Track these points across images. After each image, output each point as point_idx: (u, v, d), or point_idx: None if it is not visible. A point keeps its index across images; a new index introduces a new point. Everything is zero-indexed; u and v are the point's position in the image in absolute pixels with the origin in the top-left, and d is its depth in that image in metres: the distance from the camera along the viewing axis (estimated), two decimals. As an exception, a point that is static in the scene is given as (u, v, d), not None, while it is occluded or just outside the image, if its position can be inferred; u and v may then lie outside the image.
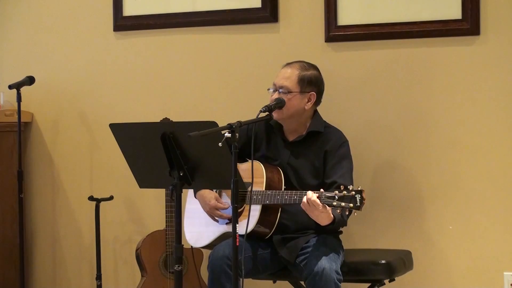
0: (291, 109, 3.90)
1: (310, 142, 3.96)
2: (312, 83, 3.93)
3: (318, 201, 3.53)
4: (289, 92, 3.88)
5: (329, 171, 3.88)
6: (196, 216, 4.07)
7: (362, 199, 3.48)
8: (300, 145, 3.97)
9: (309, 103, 3.93)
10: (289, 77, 3.91)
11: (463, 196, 4.30)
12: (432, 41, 4.33)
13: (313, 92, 3.93)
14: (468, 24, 4.24)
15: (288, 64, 3.98)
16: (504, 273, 4.25)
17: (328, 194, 3.53)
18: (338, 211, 3.52)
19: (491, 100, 4.26)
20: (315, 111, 4.01)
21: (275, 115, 3.90)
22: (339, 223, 3.71)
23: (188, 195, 4.14)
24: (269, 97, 3.94)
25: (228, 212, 3.91)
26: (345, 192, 3.49)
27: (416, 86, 4.37)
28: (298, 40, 4.54)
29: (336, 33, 4.45)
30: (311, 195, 3.56)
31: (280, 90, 3.89)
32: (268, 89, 3.97)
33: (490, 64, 4.25)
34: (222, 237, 3.96)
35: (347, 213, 3.64)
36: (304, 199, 3.58)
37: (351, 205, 3.47)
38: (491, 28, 4.23)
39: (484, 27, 4.24)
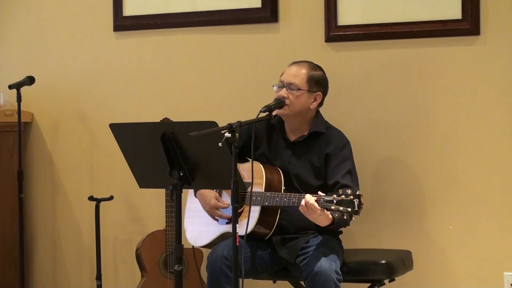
0: (298, 106, 3.91)
1: (311, 143, 3.96)
2: (319, 83, 3.96)
3: (316, 204, 3.54)
4: (298, 89, 3.90)
5: (331, 172, 3.88)
6: (196, 216, 4.07)
7: (360, 203, 3.48)
8: (302, 146, 3.97)
9: (314, 103, 3.95)
10: (298, 75, 3.93)
11: (463, 196, 4.30)
12: (432, 41, 4.32)
13: (320, 93, 3.96)
14: (468, 24, 4.24)
15: (296, 62, 4.00)
16: (504, 273, 4.25)
17: (327, 198, 3.53)
18: (336, 215, 3.52)
19: (491, 100, 4.26)
20: (317, 112, 4.02)
21: (280, 111, 3.90)
22: (339, 223, 3.70)
23: (189, 194, 4.14)
24: (274, 94, 3.94)
25: (228, 212, 3.91)
26: (343, 196, 3.49)
27: (416, 86, 4.37)
28: (298, 40, 4.54)
29: (336, 33, 4.45)
30: (309, 198, 3.56)
31: (288, 87, 3.90)
32: (273, 86, 3.97)
33: (490, 64, 4.25)
34: (222, 237, 3.96)
35: (344, 217, 3.62)
36: (302, 202, 3.58)
37: (349, 209, 3.47)
38: (491, 28, 4.23)
39: (484, 27, 4.24)
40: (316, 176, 3.92)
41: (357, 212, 3.48)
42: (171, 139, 3.37)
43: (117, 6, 4.85)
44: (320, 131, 3.96)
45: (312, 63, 4.00)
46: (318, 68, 4.00)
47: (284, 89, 3.91)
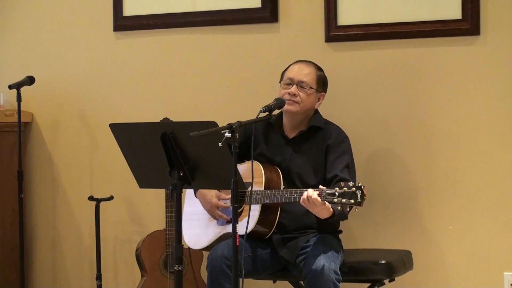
0: (307, 105, 3.94)
1: (311, 138, 3.97)
2: (324, 84, 4.03)
3: (319, 199, 3.55)
4: (310, 88, 3.93)
5: (330, 165, 3.89)
6: (194, 219, 4.07)
7: (363, 195, 3.49)
8: (301, 142, 3.98)
9: (318, 103, 4.00)
10: (309, 73, 3.95)
11: (463, 196, 4.30)
12: (432, 41, 4.33)
13: (324, 93, 4.01)
14: (468, 24, 4.24)
15: (302, 61, 4.02)
16: (504, 273, 4.25)
17: (329, 191, 3.54)
18: (339, 207, 3.52)
19: (491, 100, 4.26)
20: (316, 110, 4.04)
21: (291, 107, 3.91)
22: (339, 216, 3.71)
23: (186, 197, 4.13)
24: (279, 91, 3.95)
25: (228, 213, 3.91)
26: (345, 188, 3.50)
27: (416, 86, 4.37)
28: (298, 40, 4.54)
29: (336, 33, 4.45)
30: (312, 192, 3.56)
31: (299, 85, 3.91)
32: (280, 82, 3.97)
33: (490, 64, 4.25)
34: (221, 239, 3.95)
35: (348, 209, 3.65)
36: (304, 195, 3.59)
37: (352, 201, 3.49)
38: (491, 28, 4.23)
39: (484, 27, 4.24)
40: (317, 171, 3.92)
41: (360, 204, 3.49)
42: (171, 139, 3.37)
43: (117, 6, 4.85)
44: (319, 125, 3.97)
45: (315, 63, 4.02)
46: (321, 69, 4.04)
47: (295, 86, 3.92)
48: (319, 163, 3.93)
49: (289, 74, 3.97)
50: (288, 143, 4.00)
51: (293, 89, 3.92)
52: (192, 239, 4.07)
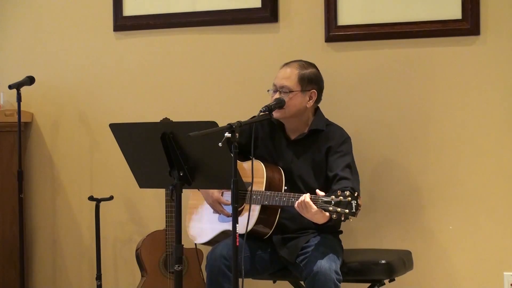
0: (293, 108, 3.91)
1: (312, 140, 3.96)
2: (312, 81, 3.94)
3: (311, 203, 3.55)
4: (290, 91, 3.89)
5: (332, 164, 3.88)
6: (198, 212, 4.08)
7: (358, 205, 3.49)
8: (302, 144, 3.97)
9: (310, 101, 3.94)
10: (289, 76, 3.92)
11: (463, 196, 4.30)
12: (432, 41, 4.33)
13: (314, 90, 3.95)
14: (468, 24, 4.24)
15: (287, 64, 3.99)
16: (504, 273, 4.25)
17: (325, 199, 3.54)
18: (334, 216, 3.52)
19: (491, 100, 4.26)
20: (317, 109, 4.03)
21: (276, 114, 3.90)
22: (337, 219, 3.69)
23: (191, 190, 4.13)
24: (270, 98, 3.95)
25: (229, 210, 3.91)
26: (341, 197, 3.50)
27: (416, 86, 4.37)
28: (298, 40, 4.54)
29: (336, 33, 4.45)
30: (307, 199, 3.57)
31: (281, 90, 3.90)
32: (268, 90, 3.98)
33: (490, 64, 4.25)
34: (223, 234, 3.96)
35: (342, 218, 3.63)
36: (298, 200, 3.59)
37: (347, 211, 3.49)
38: (491, 28, 4.23)
39: (484, 27, 4.24)
40: (318, 173, 3.92)
41: (354, 214, 3.50)
42: (171, 139, 3.38)
43: (117, 6, 4.85)
44: (320, 128, 3.96)
45: (302, 61, 3.99)
46: (309, 65, 3.98)
47: (278, 93, 3.91)
48: (321, 165, 3.92)
49: (274, 80, 3.96)
50: (289, 145, 4.00)
51: (277, 95, 3.91)
52: (194, 232, 4.08)
